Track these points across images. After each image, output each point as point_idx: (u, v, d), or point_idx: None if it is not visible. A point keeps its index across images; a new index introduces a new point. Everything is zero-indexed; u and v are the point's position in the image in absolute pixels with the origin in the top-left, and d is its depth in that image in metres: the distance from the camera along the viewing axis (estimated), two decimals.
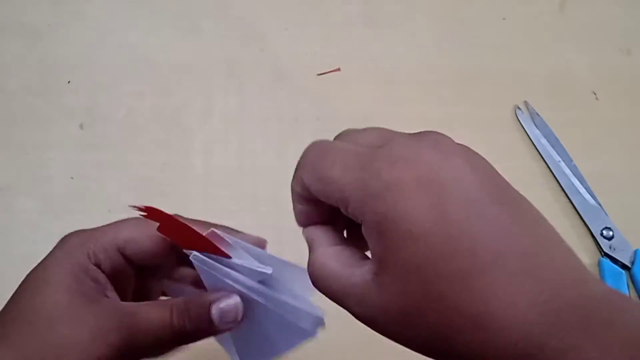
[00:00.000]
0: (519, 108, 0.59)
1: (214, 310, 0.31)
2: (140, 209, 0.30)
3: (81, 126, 0.57)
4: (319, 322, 0.33)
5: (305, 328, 0.33)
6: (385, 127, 0.62)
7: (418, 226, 0.21)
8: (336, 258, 0.25)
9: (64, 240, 0.33)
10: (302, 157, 0.27)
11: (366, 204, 0.23)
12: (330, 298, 0.25)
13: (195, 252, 0.31)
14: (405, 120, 0.59)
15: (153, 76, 0.59)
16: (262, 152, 0.56)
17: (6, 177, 0.54)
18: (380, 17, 0.64)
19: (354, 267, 0.24)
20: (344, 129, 0.63)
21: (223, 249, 0.31)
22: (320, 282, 0.26)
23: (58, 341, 0.28)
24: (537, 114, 0.59)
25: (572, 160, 0.56)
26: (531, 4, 0.66)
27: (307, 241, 0.28)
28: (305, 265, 0.27)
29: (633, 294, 0.50)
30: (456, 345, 0.21)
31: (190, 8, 0.63)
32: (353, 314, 0.24)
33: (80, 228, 0.52)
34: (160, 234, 0.31)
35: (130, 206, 0.30)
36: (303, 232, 0.28)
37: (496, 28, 0.64)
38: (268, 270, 0.31)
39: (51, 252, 0.32)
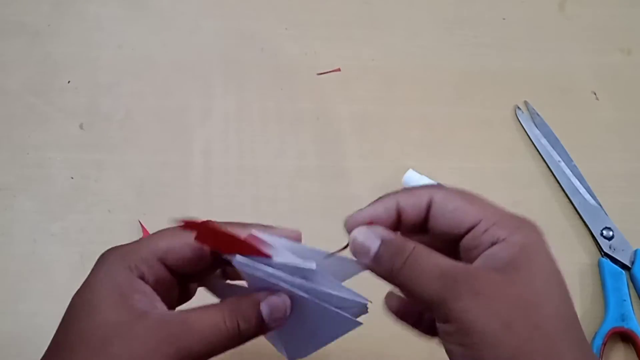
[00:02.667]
0: (519, 108, 0.59)
1: (264, 308, 0.31)
2: (178, 223, 0.30)
3: (81, 126, 0.57)
4: (363, 309, 0.33)
5: (350, 316, 0.33)
6: (385, 127, 0.62)
7: (550, 257, 0.30)
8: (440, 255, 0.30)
9: (103, 257, 0.32)
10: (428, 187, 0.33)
11: (516, 231, 0.30)
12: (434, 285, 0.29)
13: (237, 256, 0.31)
14: (405, 120, 0.59)
15: (153, 76, 0.59)
16: (262, 152, 0.56)
17: (6, 177, 0.54)
18: (380, 17, 0.64)
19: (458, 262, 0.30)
20: (344, 129, 0.63)
21: (263, 249, 0.31)
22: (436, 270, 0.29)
23: None
24: (537, 114, 0.59)
25: (572, 160, 0.56)
26: (531, 4, 0.66)
27: (397, 243, 0.30)
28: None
29: (633, 294, 0.51)
30: None
31: (190, 8, 0.63)
32: (453, 296, 0.28)
33: (80, 228, 0.52)
34: (199, 243, 0.32)
35: (171, 220, 0.30)
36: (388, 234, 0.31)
37: (496, 28, 0.64)
38: (312, 265, 0.31)
39: (92, 272, 0.32)
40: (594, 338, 0.48)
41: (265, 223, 0.34)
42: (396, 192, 0.33)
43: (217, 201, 0.54)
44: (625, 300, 0.49)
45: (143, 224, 0.52)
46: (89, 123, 0.57)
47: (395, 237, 0.31)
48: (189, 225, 0.30)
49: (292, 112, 0.58)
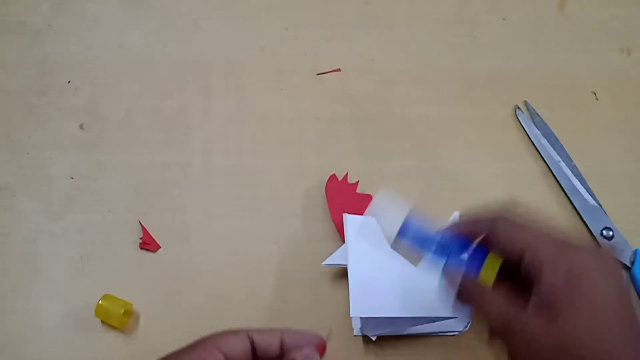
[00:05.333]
0: (519, 108, 0.59)
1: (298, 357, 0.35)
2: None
3: (81, 126, 0.57)
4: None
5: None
6: (385, 127, 0.62)
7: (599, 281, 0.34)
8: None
9: None
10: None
11: (563, 260, 0.34)
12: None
13: None
14: (405, 120, 0.59)
15: (153, 76, 0.59)
16: (262, 152, 0.56)
17: (6, 177, 0.54)
18: (380, 17, 0.64)
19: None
20: (343, 129, 0.63)
21: None
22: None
23: None
24: (537, 114, 0.59)
25: (572, 160, 0.56)
26: (531, 4, 0.66)
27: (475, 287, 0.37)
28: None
29: (633, 294, 0.50)
30: None
31: (190, 8, 0.63)
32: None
33: (80, 228, 0.52)
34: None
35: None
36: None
37: (496, 28, 0.64)
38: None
39: None
40: None
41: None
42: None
43: (217, 201, 0.54)
44: None
45: (143, 224, 0.52)
46: (89, 123, 0.57)
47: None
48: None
49: (292, 112, 0.58)
